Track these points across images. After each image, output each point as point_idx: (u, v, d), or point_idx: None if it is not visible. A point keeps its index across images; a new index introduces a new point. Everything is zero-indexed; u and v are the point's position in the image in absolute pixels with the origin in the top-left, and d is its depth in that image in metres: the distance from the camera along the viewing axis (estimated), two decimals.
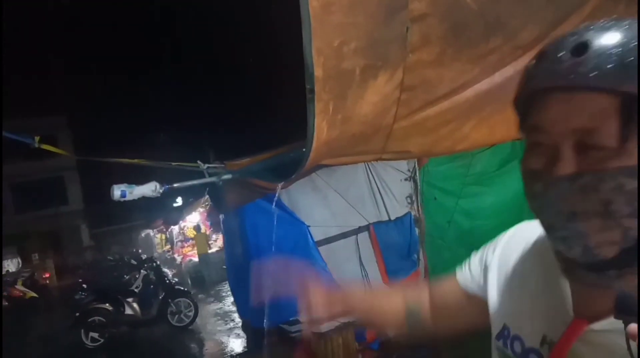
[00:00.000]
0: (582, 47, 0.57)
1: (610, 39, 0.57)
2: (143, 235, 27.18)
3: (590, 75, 0.56)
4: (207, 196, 7.57)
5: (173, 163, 2.74)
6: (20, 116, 18.42)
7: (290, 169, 2.01)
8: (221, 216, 5.22)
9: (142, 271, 8.11)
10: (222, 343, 6.97)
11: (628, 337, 0.51)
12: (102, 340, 7.27)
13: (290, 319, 4.03)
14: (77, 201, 25.69)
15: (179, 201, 18.09)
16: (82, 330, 7.24)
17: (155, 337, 7.91)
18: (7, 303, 12.18)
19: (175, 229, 19.11)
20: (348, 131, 1.59)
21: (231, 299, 8.21)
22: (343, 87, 1.40)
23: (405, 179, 4.65)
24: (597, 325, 0.63)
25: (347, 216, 4.26)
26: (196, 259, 13.49)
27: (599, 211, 0.57)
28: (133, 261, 9.68)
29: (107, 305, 7.45)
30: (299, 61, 1.34)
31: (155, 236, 25.37)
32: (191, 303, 7.91)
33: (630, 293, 0.55)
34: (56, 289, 17.13)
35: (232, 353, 6.42)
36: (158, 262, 9.44)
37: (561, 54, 0.59)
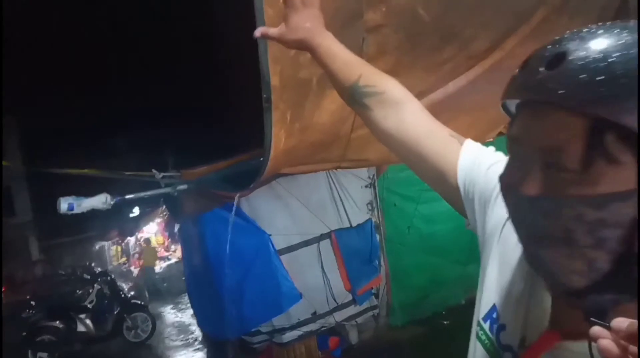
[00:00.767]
0: (557, 60, 0.53)
1: (588, 52, 0.51)
2: (97, 247, 26.06)
3: (559, 92, 0.51)
4: (162, 206, 7.36)
5: (127, 173, 2.64)
6: None
7: (248, 179, 1.97)
8: (177, 226, 5.08)
9: (95, 285, 7.76)
10: (182, 357, 6.76)
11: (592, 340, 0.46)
12: None
13: (252, 330, 3.96)
14: (25, 212, 24.36)
15: (136, 211, 17.49)
16: (30, 351, 6.82)
17: (110, 354, 7.56)
18: None
19: (131, 240, 18.47)
20: (307, 140, 1.58)
21: (191, 311, 8.00)
22: (300, 96, 1.40)
23: (366, 186, 4.70)
24: (572, 345, 0.58)
25: (309, 224, 4.25)
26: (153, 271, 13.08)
27: (561, 238, 0.53)
28: (86, 275, 9.24)
29: (58, 322, 7.06)
30: (257, 68, 1.32)
31: (110, 248, 24.41)
32: (148, 317, 7.63)
33: (606, 298, 0.52)
34: (2, 306, 16.12)
35: None
36: (113, 275, 9.05)
37: (537, 65, 0.55)
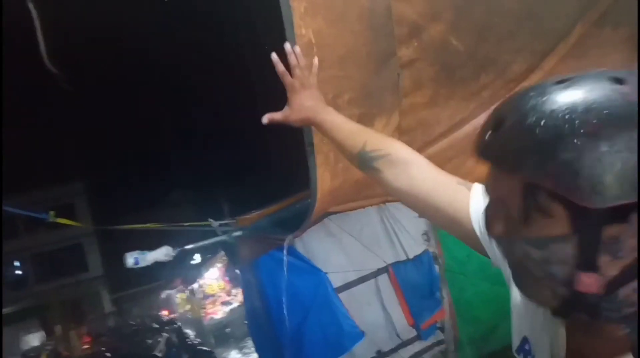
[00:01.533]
0: (498, 125, 0.58)
1: (519, 118, 0.55)
2: (164, 295, 26.93)
3: (497, 156, 0.58)
4: (222, 252, 7.55)
5: (185, 224, 2.77)
6: (36, 187, 18.90)
7: (298, 221, 2.01)
8: (237, 271, 5.18)
9: (164, 334, 8.00)
10: None
11: None
12: None
13: None
14: (96, 267, 25.78)
15: (197, 258, 18.05)
16: None
17: None
18: None
19: (195, 287, 18.94)
20: (351, 178, 1.61)
21: (255, 355, 8.00)
22: None
23: (419, 216, 4.61)
24: None
25: (364, 259, 4.19)
26: (217, 316, 13.28)
27: (526, 270, 0.60)
28: (155, 325, 9.58)
29: None
30: None
31: (176, 296, 25.12)
32: None
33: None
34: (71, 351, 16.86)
35: None
36: (179, 323, 9.32)
37: (488, 126, 0.60)
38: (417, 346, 4.30)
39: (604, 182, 0.49)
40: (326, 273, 3.94)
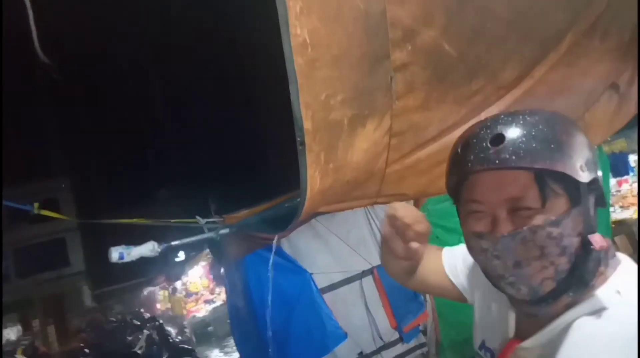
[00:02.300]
0: (499, 139, 0.76)
1: (516, 130, 0.76)
2: (146, 292, 26.63)
3: (511, 159, 0.74)
4: (207, 250, 7.50)
5: (172, 220, 2.75)
6: (21, 181, 18.56)
7: (287, 220, 2.01)
8: (222, 270, 5.15)
9: (145, 331, 7.91)
10: None
11: None
12: None
13: None
14: (78, 263, 25.37)
15: (181, 255, 17.89)
16: None
17: None
18: None
19: (178, 284, 18.76)
20: (341, 179, 1.61)
21: (237, 354, 7.96)
22: (333, 137, 1.44)
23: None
24: (526, 343, 0.83)
25: (350, 261, 4.20)
26: (200, 315, 13.18)
27: (537, 256, 0.76)
28: (136, 322, 9.47)
29: None
30: (290, 113, 1.38)
31: (158, 293, 24.86)
32: None
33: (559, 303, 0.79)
34: (57, 355, 16.59)
35: None
36: (161, 321, 9.23)
37: (484, 144, 0.77)
38: (399, 348, 4.32)
39: (587, 162, 0.75)
40: (311, 273, 3.94)
